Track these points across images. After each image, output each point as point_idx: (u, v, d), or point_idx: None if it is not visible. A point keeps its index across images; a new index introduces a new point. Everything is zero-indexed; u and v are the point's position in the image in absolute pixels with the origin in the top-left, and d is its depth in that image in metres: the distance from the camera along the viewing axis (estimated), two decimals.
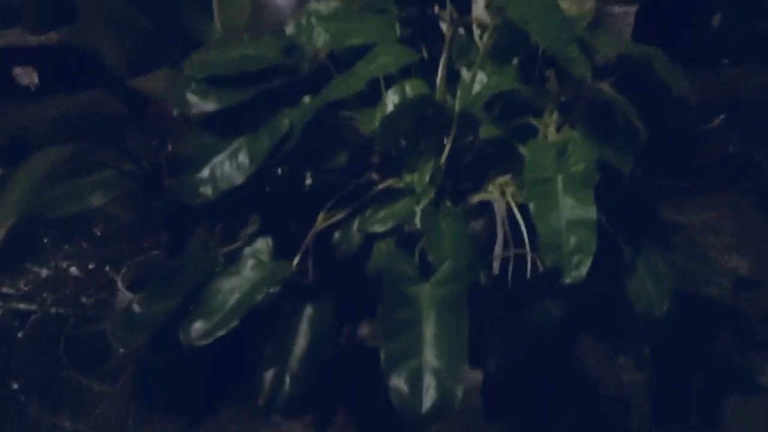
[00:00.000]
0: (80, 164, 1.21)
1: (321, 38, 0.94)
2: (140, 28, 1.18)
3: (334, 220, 0.99)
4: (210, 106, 0.89)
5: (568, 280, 0.81)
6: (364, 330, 1.01)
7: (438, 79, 1.01)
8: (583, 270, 0.81)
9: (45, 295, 1.49)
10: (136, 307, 0.99)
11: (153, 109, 1.15)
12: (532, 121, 0.99)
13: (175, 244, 1.22)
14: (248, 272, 0.93)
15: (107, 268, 1.56)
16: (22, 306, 1.46)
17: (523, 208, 0.97)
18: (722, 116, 1.16)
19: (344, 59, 1.02)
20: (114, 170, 1.19)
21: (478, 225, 1.05)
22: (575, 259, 0.82)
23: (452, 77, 1.06)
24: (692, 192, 1.21)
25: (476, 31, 1.08)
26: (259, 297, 0.89)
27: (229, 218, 1.05)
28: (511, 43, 0.98)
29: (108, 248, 1.62)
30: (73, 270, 1.57)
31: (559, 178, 0.85)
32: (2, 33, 2.08)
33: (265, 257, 0.93)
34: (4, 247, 1.05)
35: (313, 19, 0.95)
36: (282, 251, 0.98)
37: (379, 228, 0.97)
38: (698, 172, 1.27)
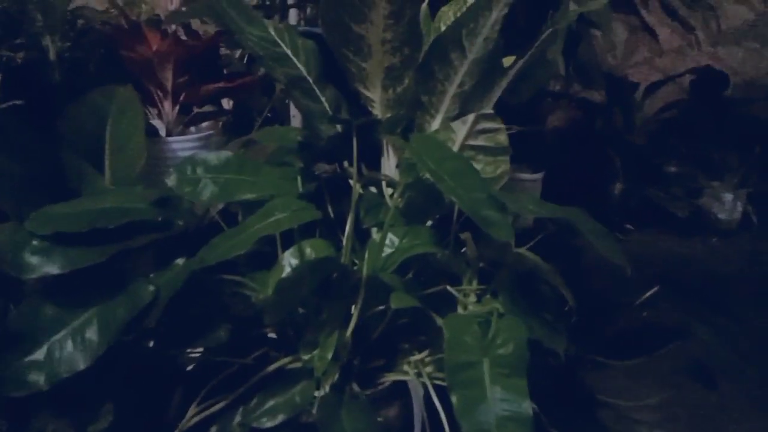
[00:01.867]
0: None
1: (208, 191, 0.79)
2: (7, 174, 0.99)
3: (209, 411, 0.76)
4: (53, 269, 0.69)
5: None
6: None
7: (344, 240, 0.86)
8: None
9: None
10: None
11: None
12: (450, 289, 0.85)
13: None
14: None
15: None
16: None
17: (444, 391, 0.79)
18: (656, 287, 1.07)
19: (242, 217, 0.87)
20: None
21: (391, 412, 0.85)
22: None
23: (361, 238, 0.92)
24: (617, 367, 1.08)
25: (387, 190, 0.97)
26: None
27: (77, 409, 0.80)
28: (424, 202, 0.86)
29: None
30: None
31: (485, 363, 0.68)
32: None
33: None
34: None
35: (199, 170, 0.81)
36: None
37: (267, 422, 0.76)
38: (620, 343, 1.16)
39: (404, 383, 0.85)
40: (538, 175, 2.06)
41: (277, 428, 0.76)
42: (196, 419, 0.75)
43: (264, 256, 0.87)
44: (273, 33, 0.96)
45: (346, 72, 1.01)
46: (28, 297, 0.70)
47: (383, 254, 0.83)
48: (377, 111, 1.01)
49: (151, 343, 0.75)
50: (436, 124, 0.99)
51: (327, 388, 0.78)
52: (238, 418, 0.77)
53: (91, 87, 1.28)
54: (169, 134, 1.50)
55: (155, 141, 1.46)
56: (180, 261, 0.73)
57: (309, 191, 0.87)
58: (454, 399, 0.66)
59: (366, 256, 0.83)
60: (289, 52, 0.99)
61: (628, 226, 2.25)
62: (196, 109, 1.55)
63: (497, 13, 0.83)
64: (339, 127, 0.97)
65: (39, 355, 0.69)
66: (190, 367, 0.82)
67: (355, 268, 0.85)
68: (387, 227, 0.83)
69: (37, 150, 1.10)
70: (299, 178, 0.87)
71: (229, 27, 0.93)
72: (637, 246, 2.12)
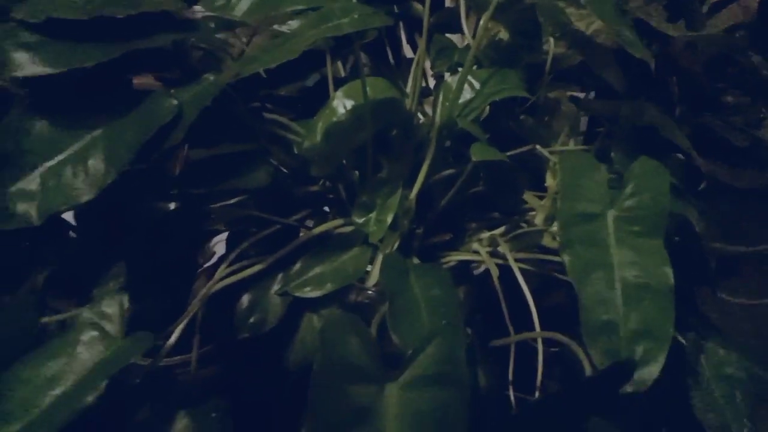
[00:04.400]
0: None
1: (242, 4, 0.60)
2: None
3: (241, 275, 0.60)
4: (45, 68, 0.51)
5: (630, 387, 0.45)
6: None
7: (410, 82, 0.68)
8: (654, 369, 0.46)
9: None
10: None
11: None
12: (540, 149, 0.67)
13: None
14: (83, 351, 0.51)
15: None
16: None
17: (529, 275, 0.63)
18: None
19: None
20: None
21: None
22: (640, 349, 0.46)
23: (426, 90, 0.74)
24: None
25: (463, 39, 0.78)
26: (94, 394, 0.48)
27: (81, 268, 0.65)
28: (514, 38, 0.67)
29: None
30: None
31: (610, 216, 0.51)
32: None
33: (113, 328, 0.52)
34: None
35: None
36: (151, 324, 0.57)
37: (312, 291, 0.60)
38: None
39: (467, 266, 0.69)
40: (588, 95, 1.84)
41: (323, 300, 0.60)
42: (224, 283, 0.59)
43: (308, 102, 0.70)
44: None
45: None
46: (15, 108, 0.53)
47: (461, 100, 0.65)
48: None
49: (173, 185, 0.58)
50: None
51: (388, 254, 0.61)
52: (276, 287, 0.61)
53: None
54: None
55: None
56: (208, 76, 0.55)
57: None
58: (566, 259, 0.49)
59: (440, 99, 0.65)
60: None
61: (678, 155, 2.05)
62: None
63: None
64: None
65: (30, 183, 0.53)
66: (221, 226, 0.65)
67: (424, 118, 0.68)
68: (468, 66, 0.64)
69: None
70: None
71: None
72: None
